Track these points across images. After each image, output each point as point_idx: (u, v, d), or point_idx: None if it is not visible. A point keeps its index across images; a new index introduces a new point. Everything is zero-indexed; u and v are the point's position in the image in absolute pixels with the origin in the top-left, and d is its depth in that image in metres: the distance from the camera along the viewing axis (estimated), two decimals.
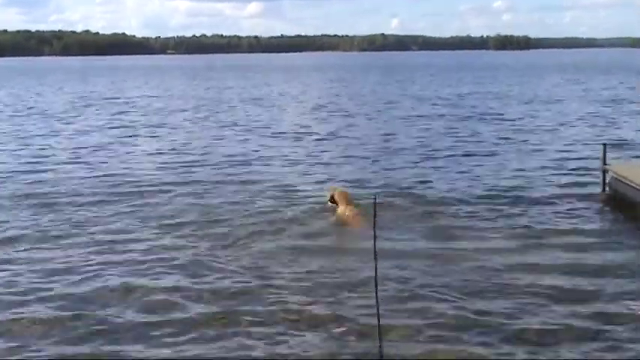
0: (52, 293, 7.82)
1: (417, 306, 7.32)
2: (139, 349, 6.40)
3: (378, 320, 5.06)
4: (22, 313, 7.28)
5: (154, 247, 9.53)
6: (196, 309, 7.32)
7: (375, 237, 5.17)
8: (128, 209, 11.77)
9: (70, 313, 7.23)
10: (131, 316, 7.16)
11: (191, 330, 6.78)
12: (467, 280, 8.04)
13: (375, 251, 5.13)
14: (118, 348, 6.44)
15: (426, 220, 10.83)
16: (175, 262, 8.80)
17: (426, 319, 6.92)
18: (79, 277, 8.32)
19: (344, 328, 6.74)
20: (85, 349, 6.43)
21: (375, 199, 5.77)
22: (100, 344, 6.51)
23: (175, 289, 7.91)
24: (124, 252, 9.35)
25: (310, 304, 7.39)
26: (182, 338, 6.60)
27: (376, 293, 5.05)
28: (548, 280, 8.02)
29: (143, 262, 8.85)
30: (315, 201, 11.91)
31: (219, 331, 6.73)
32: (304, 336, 6.62)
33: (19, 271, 8.56)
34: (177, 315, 7.19)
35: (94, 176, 14.95)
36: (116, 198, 12.63)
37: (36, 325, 6.93)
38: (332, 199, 11.07)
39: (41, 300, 7.63)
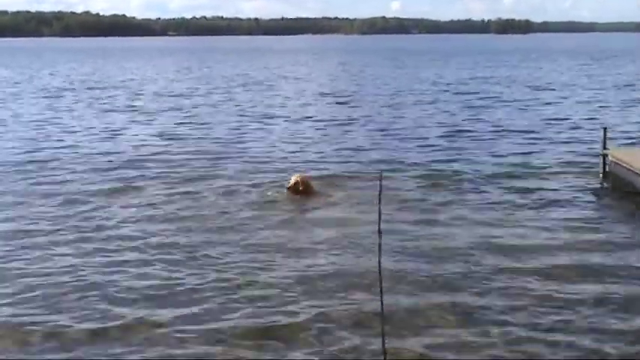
0: None
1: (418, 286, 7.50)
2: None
3: (382, 313, 4.94)
4: None
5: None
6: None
7: (380, 213, 5.14)
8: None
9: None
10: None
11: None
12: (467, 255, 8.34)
13: (379, 229, 5.13)
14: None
15: (426, 195, 11.29)
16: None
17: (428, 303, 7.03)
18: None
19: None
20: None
21: (380, 174, 5.91)
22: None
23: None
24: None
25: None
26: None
27: (380, 282, 4.92)
28: (550, 251, 8.47)
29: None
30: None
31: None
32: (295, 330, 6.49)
33: None
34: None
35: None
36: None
37: None
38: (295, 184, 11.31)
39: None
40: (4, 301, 7.15)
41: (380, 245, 4.89)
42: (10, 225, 9.93)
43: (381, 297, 4.80)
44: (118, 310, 6.91)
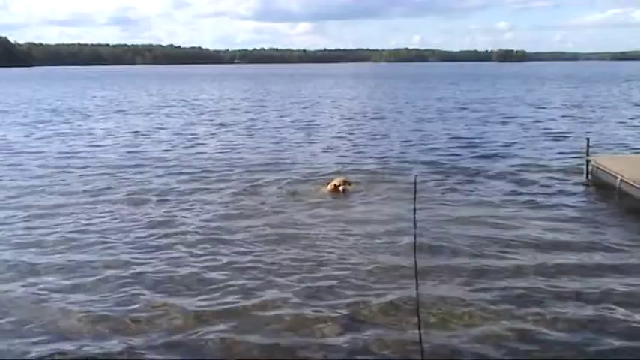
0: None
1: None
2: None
3: (417, 308, 4.59)
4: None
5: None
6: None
7: (415, 211, 4.73)
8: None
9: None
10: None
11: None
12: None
13: (414, 227, 4.68)
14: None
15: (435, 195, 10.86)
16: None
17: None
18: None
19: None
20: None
21: (415, 178, 5.70)
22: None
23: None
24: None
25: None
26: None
27: (416, 276, 4.58)
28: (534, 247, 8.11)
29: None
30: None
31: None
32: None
33: None
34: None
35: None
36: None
37: None
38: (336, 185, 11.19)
39: None
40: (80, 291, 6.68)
41: (415, 243, 4.66)
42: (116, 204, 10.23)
43: (417, 292, 4.50)
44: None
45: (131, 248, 8.17)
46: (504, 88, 51.33)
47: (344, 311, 6.02)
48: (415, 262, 4.51)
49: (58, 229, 9.08)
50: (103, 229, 9.10)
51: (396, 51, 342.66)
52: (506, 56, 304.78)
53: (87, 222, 9.49)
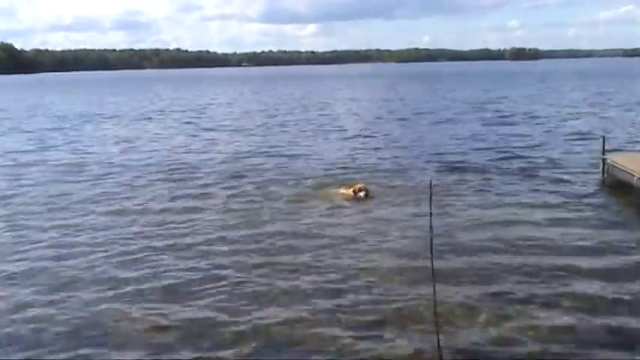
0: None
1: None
2: None
3: (435, 309, 4.64)
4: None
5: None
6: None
7: (430, 214, 4.94)
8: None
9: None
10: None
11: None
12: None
13: (431, 230, 4.83)
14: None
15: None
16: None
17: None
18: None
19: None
20: None
21: (431, 182, 5.89)
22: None
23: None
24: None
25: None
26: None
27: (432, 275, 4.64)
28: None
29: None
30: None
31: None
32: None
33: None
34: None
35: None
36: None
37: None
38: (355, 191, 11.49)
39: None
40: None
41: (432, 245, 4.85)
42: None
43: (434, 297, 4.58)
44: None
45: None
46: (519, 87, 51.15)
47: (360, 316, 6.18)
48: (432, 265, 4.63)
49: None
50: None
51: (406, 51, 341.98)
52: (519, 54, 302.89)
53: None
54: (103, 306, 6.72)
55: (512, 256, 7.90)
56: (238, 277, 7.41)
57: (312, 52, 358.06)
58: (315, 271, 7.49)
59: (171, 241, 8.97)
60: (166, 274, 7.63)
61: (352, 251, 8.24)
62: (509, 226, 9.28)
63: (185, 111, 35.01)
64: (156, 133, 23.65)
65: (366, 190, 11.47)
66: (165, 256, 8.28)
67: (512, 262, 7.64)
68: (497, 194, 11.51)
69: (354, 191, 11.46)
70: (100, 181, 13.87)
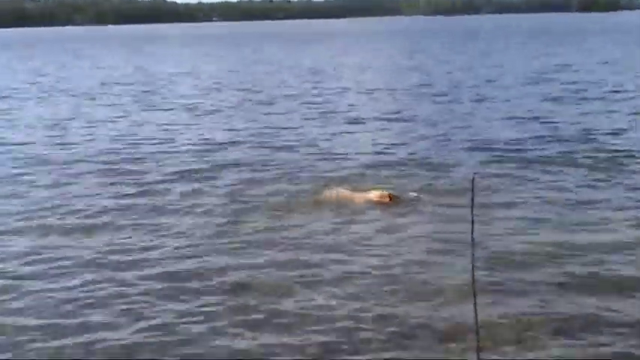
0: None
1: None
2: None
3: (476, 324, 5.04)
4: None
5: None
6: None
7: (472, 218, 5.27)
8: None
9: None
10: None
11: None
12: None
13: (472, 239, 5.36)
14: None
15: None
16: None
17: None
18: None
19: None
20: None
21: (473, 178, 6.11)
22: None
23: None
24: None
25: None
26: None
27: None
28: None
29: None
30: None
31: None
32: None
33: None
34: None
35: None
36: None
37: None
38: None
39: None
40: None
41: (473, 256, 5.25)
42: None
43: (475, 308, 4.93)
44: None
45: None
46: (594, 49, 51.34)
47: (393, 329, 6.99)
48: (473, 278, 5.18)
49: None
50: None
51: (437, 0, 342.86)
52: (591, 3, 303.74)
53: None
54: None
55: (567, 266, 8.49)
56: (256, 275, 8.58)
57: (308, 0, 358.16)
58: (339, 280, 8.38)
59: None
60: None
61: (378, 257, 9.07)
62: (563, 231, 9.75)
63: (133, 83, 35.12)
64: (92, 116, 23.62)
65: (392, 196, 11.53)
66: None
67: (568, 273, 8.24)
68: (550, 191, 11.83)
69: (381, 194, 11.53)
70: (12, 184, 13.77)
